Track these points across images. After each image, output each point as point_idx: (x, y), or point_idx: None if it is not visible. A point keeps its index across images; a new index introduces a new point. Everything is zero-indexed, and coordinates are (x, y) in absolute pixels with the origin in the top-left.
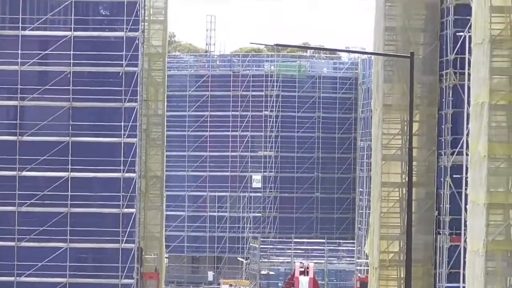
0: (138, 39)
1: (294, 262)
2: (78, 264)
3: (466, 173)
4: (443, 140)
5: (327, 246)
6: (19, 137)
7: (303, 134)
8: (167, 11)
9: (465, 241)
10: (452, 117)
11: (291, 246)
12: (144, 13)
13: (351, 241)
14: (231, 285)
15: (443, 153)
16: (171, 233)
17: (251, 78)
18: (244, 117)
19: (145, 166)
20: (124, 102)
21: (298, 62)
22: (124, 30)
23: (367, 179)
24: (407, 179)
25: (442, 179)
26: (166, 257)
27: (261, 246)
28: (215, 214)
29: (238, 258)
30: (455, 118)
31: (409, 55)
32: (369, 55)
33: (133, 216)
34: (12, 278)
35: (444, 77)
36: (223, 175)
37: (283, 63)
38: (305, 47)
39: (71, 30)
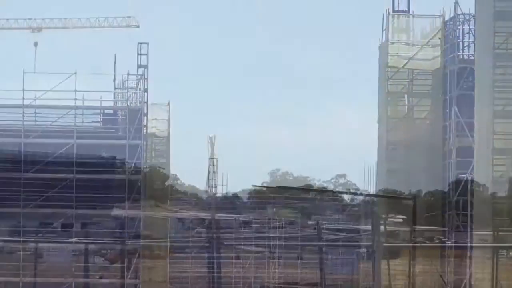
0: (140, 182)
1: None
2: None
3: None
4: None
5: None
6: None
7: None
8: (169, 153)
9: None
10: None
11: None
12: (146, 156)
13: None
14: None
15: None
16: None
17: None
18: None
19: None
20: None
21: (300, 205)
22: (127, 173)
23: None
24: None
25: None
26: None
27: None
28: None
29: None
30: None
31: (411, 197)
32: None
33: None
34: None
35: (447, 217)
36: None
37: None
38: (307, 190)
39: (73, 173)
